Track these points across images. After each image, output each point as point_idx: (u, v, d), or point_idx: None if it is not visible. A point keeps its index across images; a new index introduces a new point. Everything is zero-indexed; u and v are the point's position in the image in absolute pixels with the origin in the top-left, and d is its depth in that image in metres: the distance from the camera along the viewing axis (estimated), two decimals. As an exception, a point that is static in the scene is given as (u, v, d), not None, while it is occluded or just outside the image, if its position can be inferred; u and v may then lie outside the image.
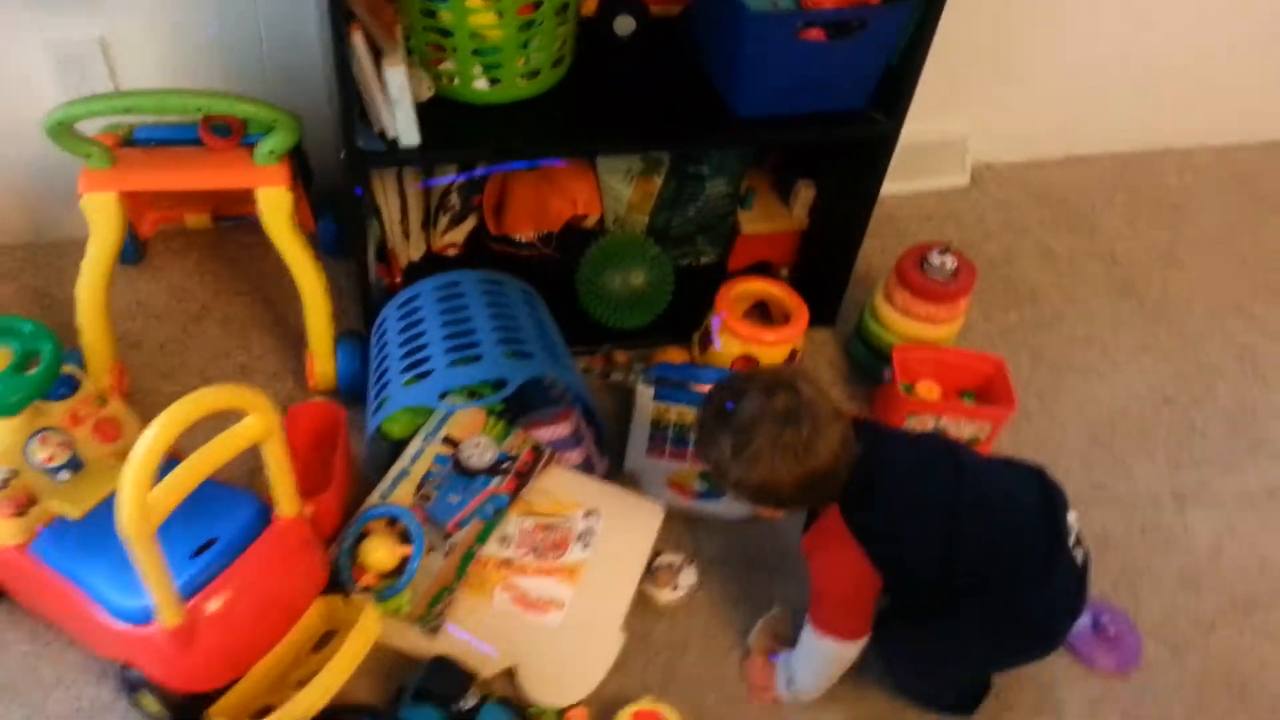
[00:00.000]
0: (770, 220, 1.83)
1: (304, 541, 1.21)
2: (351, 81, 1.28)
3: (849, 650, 1.23)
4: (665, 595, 1.40)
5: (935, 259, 1.63)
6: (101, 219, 1.40)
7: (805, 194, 1.80)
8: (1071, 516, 1.20)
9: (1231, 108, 2.29)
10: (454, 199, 1.75)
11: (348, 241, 1.77)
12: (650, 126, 1.49)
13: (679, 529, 1.48)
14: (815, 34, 1.40)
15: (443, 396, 1.42)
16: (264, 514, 1.19)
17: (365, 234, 1.50)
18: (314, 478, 1.39)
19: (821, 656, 1.25)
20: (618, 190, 1.77)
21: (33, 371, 1.17)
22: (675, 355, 1.66)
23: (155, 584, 1.02)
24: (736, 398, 1.13)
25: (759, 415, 1.11)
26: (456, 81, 1.40)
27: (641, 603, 1.39)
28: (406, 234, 1.74)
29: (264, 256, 1.78)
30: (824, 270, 1.79)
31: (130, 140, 1.46)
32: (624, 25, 1.58)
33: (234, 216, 1.78)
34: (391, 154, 1.36)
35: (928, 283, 1.62)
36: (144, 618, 1.11)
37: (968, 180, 2.17)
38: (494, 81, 1.40)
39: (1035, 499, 1.20)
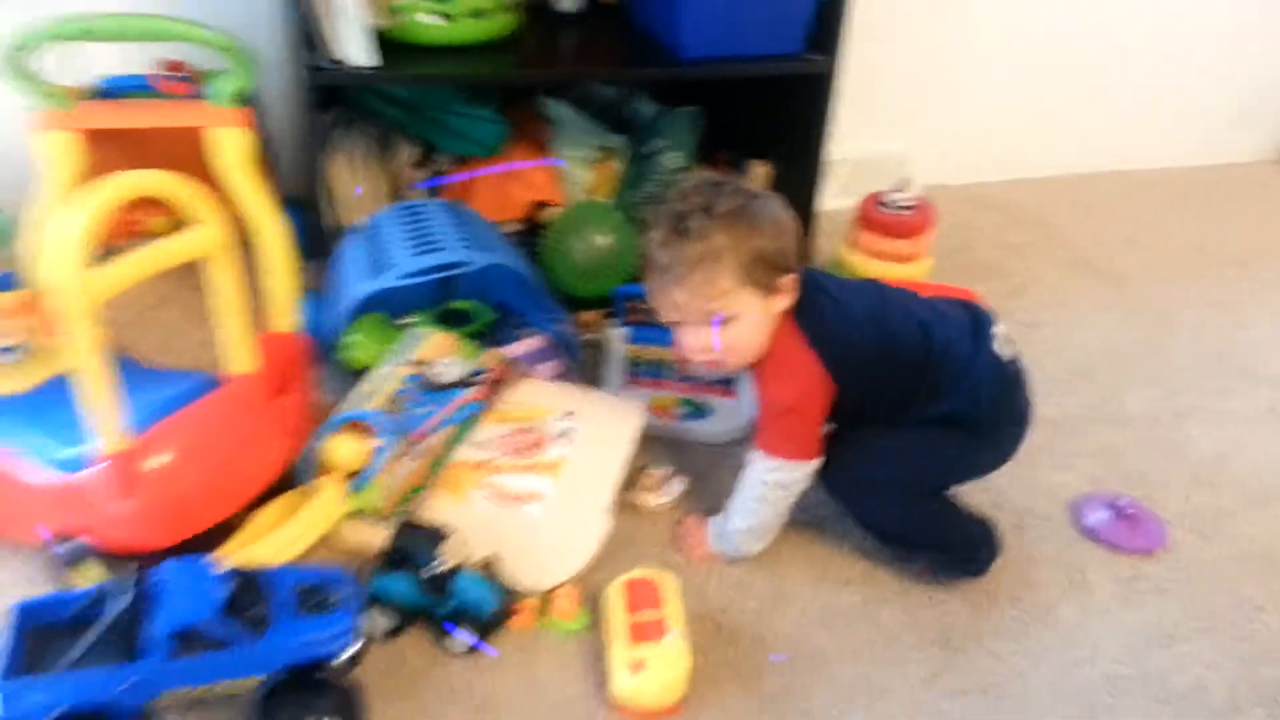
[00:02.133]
0: (731, 203, 1.86)
1: (259, 401, 1.12)
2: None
3: (794, 473, 1.16)
4: (652, 500, 1.30)
5: (892, 196, 1.66)
6: (61, 157, 1.38)
7: (759, 171, 1.85)
8: (999, 327, 1.21)
9: (1176, 132, 2.44)
10: (415, 191, 1.76)
11: (317, 242, 1.76)
12: (601, 63, 1.55)
13: (664, 450, 1.40)
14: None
15: (407, 317, 1.37)
16: (217, 384, 1.11)
17: (318, 170, 1.50)
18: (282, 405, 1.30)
19: (768, 487, 1.17)
20: (577, 176, 1.81)
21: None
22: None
23: (93, 379, 0.93)
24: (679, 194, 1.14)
25: (717, 185, 1.11)
26: (407, 19, 1.46)
27: (630, 512, 1.29)
28: (370, 221, 1.73)
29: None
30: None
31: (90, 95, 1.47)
32: (567, 0, 1.68)
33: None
34: (344, 73, 1.39)
35: (889, 219, 1.65)
36: (84, 463, 1.00)
37: (917, 196, 2.24)
38: (444, 17, 1.46)
39: (960, 311, 1.21)
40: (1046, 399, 1.57)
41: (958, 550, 1.21)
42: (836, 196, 2.14)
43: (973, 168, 2.32)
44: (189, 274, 1.65)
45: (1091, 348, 1.74)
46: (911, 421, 1.18)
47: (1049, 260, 2.02)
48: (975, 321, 1.20)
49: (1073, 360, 1.70)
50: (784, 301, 1.13)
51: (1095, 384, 1.64)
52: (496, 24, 1.53)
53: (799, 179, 1.76)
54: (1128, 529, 1.31)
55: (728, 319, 1.10)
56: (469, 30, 1.50)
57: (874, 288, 1.22)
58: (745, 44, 1.58)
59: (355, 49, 1.39)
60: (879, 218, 1.66)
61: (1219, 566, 1.29)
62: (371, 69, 1.40)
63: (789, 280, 1.12)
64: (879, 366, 1.15)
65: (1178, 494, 1.41)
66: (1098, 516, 1.33)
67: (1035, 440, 1.48)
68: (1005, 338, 1.20)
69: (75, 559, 1.04)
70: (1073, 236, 2.12)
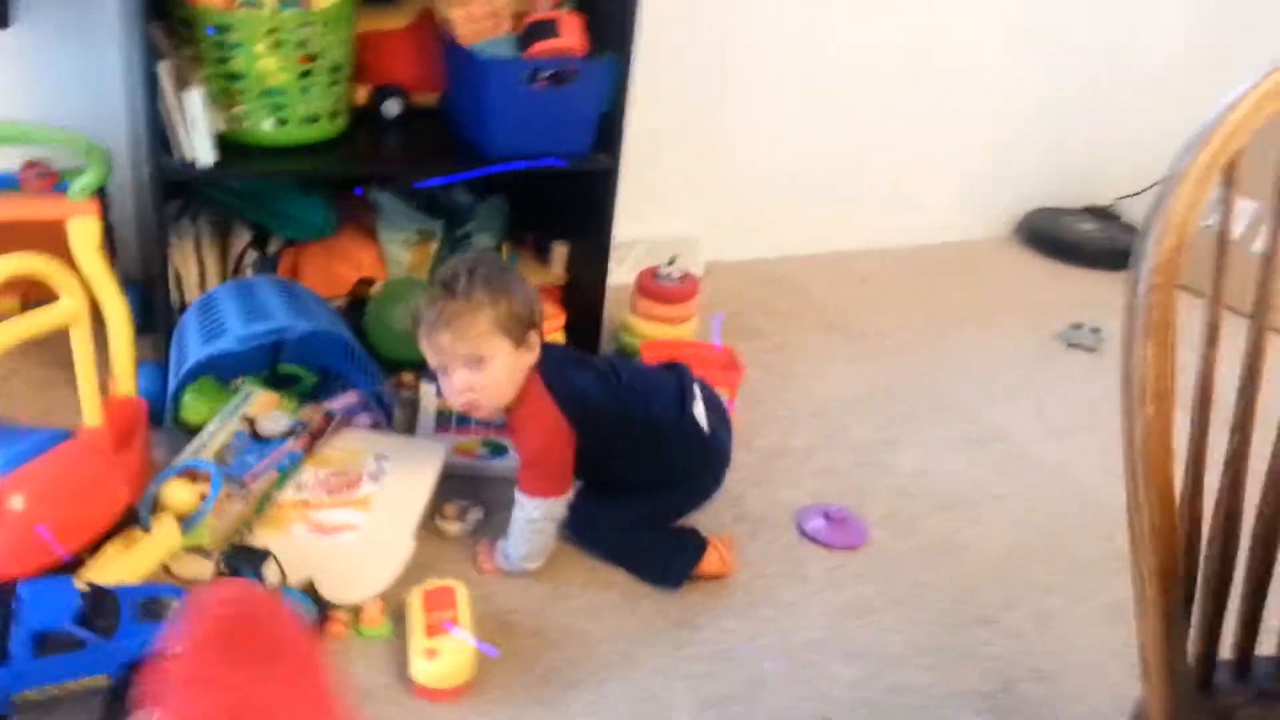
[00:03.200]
0: (535, 277, 2.15)
1: (104, 451, 1.32)
2: (157, 108, 1.56)
3: (554, 507, 1.44)
4: (453, 527, 1.55)
5: (664, 270, 2.01)
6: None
7: (560, 251, 2.15)
8: (698, 389, 1.55)
9: (911, 216, 2.90)
10: (249, 271, 1.98)
11: (150, 318, 1.95)
12: (418, 162, 1.84)
13: (468, 487, 1.65)
14: (541, 83, 1.81)
15: (234, 381, 1.59)
16: (69, 435, 1.31)
17: (167, 255, 1.71)
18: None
19: (527, 521, 1.44)
20: (398, 256, 2.07)
21: None
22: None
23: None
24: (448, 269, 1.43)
25: (463, 256, 1.41)
26: (248, 124, 1.70)
27: (435, 537, 1.54)
28: (206, 297, 1.94)
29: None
30: (583, 313, 2.12)
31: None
32: (392, 107, 1.96)
33: (44, 301, 1.93)
34: (191, 170, 1.62)
35: (662, 288, 1.99)
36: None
37: (703, 271, 2.60)
38: (280, 123, 1.72)
39: (671, 380, 1.55)
40: (787, 433, 1.94)
41: (657, 569, 1.51)
42: (631, 271, 2.47)
43: (748, 246, 2.69)
44: (35, 350, 1.82)
45: (831, 393, 2.11)
46: (631, 482, 1.51)
47: (806, 324, 2.40)
48: (680, 389, 1.53)
49: (814, 403, 2.06)
50: (530, 355, 1.41)
51: (829, 421, 2.00)
52: (326, 128, 1.79)
53: (592, 256, 2.07)
54: (837, 531, 1.65)
55: (483, 359, 1.36)
56: (302, 133, 1.75)
57: (608, 362, 1.56)
58: (541, 145, 1.88)
59: (201, 150, 1.62)
60: (653, 287, 2.00)
61: (907, 557, 1.64)
62: (215, 167, 1.64)
63: (534, 337, 1.41)
64: (612, 424, 1.46)
65: (882, 502, 1.77)
66: (814, 522, 1.66)
67: (775, 465, 1.84)
68: (701, 405, 1.53)
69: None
70: (828, 304, 2.51)
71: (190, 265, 1.92)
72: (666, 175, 2.51)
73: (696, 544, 1.52)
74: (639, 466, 1.51)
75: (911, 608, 1.54)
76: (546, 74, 1.80)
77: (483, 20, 1.80)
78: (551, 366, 1.45)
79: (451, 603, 1.34)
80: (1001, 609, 1.56)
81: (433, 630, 1.29)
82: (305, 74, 1.70)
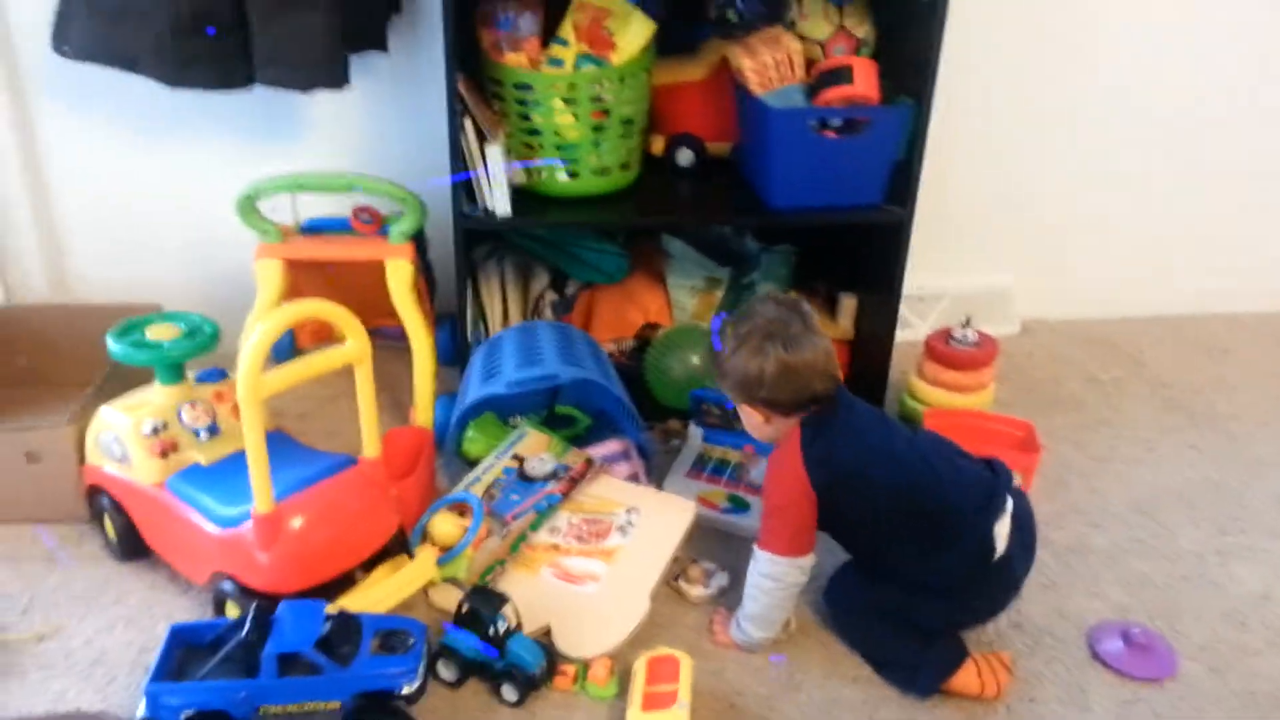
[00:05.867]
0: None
1: (378, 480, 1.43)
2: (462, 160, 1.68)
3: (784, 568, 1.33)
4: (697, 590, 1.51)
5: (958, 332, 1.83)
6: (268, 279, 1.80)
7: (848, 304, 2.05)
8: (1011, 503, 1.34)
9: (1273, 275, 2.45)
10: (548, 310, 2.08)
11: (461, 353, 2.09)
12: (702, 213, 1.83)
13: (715, 544, 1.61)
14: (830, 133, 1.73)
15: (513, 418, 1.66)
16: (352, 463, 1.44)
17: (467, 292, 1.84)
18: (403, 484, 1.62)
19: (759, 577, 1.35)
20: (684, 302, 2.08)
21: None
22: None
23: (255, 458, 1.26)
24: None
25: (763, 308, 1.34)
26: (544, 175, 1.79)
27: (675, 599, 1.51)
28: (506, 335, 2.06)
29: (393, 360, 2.12)
30: (868, 372, 1.99)
31: (299, 230, 1.88)
32: (685, 157, 1.97)
33: (375, 329, 2.15)
34: (489, 220, 1.73)
35: (953, 352, 1.82)
36: (239, 520, 1.34)
37: (1018, 329, 2.36)
38: (573, 175, 1.78)
39: (981, 482, 1.35)
40: (1096, 529, 1.70)
41: (903, 672, 1.36)
42: (935, 327, 2.30)
43: (1075, 304, 2.41)
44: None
45: (1159, 484, 1.81)
46: (896, 573, 1.36)
47: (1135, 397, 2.09)
48: (990, 496, 1.33)
49: (1136, 495, 1.78)
50: (776, 420, 1.36)
51: (1151, 519, 1.72)
52: (616, 179, 1.84)
53: (881, 311, 1.95)
54: (1137, 657, 1.40)
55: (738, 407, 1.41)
56: (593, 184, 1.82)
57: (905, 431, 1.40)
58: (829, 196, 1.80)
59: (499, 201, 1.73)
60: (943, 351, 1.83)
61: (1225, 701, 1.35)
62: (509, 218, 1.74)
63: (770, 402, 1.34)
64: (884, 499, 1.32)
65: (1204, 628, 1.48)
66: (1110, 643, 1.42)
67: (1073, 567, 1.61)
68: (1007, 522, 1.33)
69: (223, 599, 1.37)
70: (1165, 375, 2.17)
71: (495, 303, 2.06)
72: (978, 224, 2.31)
73: (953, 653, 1.36)
74: (907, 559, 1.35)
75: (1222, 767, 1.27)
76: (836, 123, 1.72)
77: (774, 69, 1.76)
78: (822, 421, 1.34)
79: (675, 674, 1.30)
80: (1349, 788, 1.24)
81: (650, 704, 1.26)
82: (597, 128, 1.75)
